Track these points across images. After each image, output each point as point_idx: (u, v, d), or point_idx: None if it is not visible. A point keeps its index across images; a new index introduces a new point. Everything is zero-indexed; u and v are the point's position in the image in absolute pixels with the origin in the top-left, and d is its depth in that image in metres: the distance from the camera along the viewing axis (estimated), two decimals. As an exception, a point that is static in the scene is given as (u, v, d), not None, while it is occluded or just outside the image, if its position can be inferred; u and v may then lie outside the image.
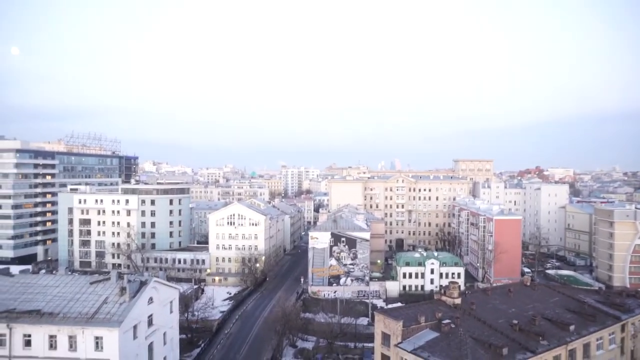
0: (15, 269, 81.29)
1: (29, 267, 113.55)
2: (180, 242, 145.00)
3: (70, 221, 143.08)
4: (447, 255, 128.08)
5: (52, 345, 55.02)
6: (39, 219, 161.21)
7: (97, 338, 54.53)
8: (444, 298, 62.90)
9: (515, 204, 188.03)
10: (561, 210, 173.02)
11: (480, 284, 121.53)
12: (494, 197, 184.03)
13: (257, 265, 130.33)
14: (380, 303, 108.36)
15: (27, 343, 55.34)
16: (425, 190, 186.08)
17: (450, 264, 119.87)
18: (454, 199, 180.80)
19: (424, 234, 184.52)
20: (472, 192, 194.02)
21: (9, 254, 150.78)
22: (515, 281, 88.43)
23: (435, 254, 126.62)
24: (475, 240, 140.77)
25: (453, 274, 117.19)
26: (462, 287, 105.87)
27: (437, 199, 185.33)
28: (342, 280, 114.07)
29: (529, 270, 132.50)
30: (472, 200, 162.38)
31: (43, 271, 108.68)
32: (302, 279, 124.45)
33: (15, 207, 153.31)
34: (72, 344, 54.77)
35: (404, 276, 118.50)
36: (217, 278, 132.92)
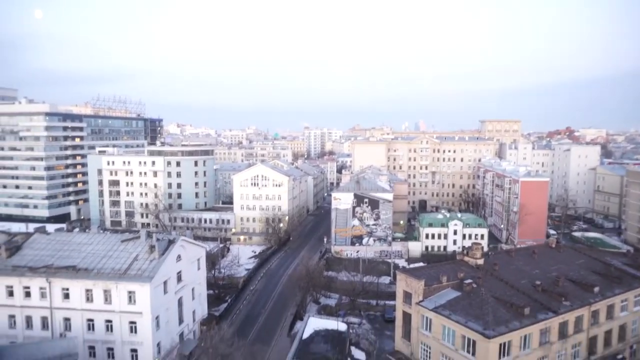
0: (50, 227, 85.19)
1: (64, 225, 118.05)
2: (205, 203, 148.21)
3: (100, 182, 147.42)
4: (471, 217, 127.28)
5: (89, 298, 58.19)
6: (70, 180, 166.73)
7: (129, 292, 57.28)
8: (466, 259, 62.99)
9: (542, 166, 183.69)
10: (591, 172, 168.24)
11: (504, 246, 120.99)
12: (521, 159, 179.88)
13: (281, 225, 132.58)
14: (402, 263, 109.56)
15: (66, 296, 58.63)
16: (449, 151, 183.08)
17: (473, 225, 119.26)
18: (479, 160, 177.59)
19: (448, 195, 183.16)
20: (498, 153, 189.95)
21: (44, 213, 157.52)
22: (540, 243, 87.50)
23: (459, 215, 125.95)
24: (499, 201, 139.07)
25: (476, 235, 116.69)
26: (485, 249, 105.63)
27: (461, 160, 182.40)
28: (364, 240, 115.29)
29: (554, 232, 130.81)
30: (497, 162, 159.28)
31: (77, 230, 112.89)
32: (325, 239, 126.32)
33: (47, 168, 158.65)
34: (107, 297, 57.77)
35: (427, 237, 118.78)
36: (242, 237, 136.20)
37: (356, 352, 59.23)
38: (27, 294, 59.26)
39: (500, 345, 46.42)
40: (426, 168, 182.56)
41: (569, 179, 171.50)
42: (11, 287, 59.37)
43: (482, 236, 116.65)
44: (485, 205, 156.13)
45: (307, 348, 54.64)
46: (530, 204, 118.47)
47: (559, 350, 52.46)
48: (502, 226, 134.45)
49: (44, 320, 59.15)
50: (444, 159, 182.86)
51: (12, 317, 59.83)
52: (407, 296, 56.71)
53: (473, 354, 47.39)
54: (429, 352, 53.57)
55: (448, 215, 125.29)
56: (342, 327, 60.84)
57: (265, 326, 78.80)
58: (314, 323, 61.43)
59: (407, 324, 57.25)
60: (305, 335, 57.64)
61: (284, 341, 71.77)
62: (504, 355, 46.84)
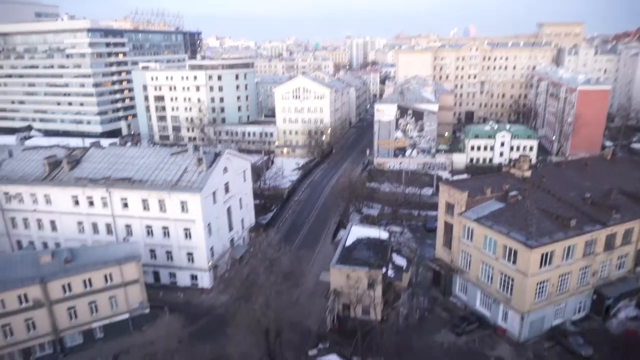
0: (104, 142, 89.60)
1: (116, 140, 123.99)
2: (248, 116, 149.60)
3: (146, 98, 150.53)
4: (520, 128, 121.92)
5: (145, 207, 62.38)
6: (118, 96, 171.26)
7: (182, 202, 60.79)
8: (512, 171, 61.62)
9: (605, 73, 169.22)
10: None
11: (554, 158, 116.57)
12: (581, 65, 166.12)
13: (323, 137, 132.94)
14: (445, 175, 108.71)
15: (125, 205, 63.07)
16: (501, 58, 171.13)
17: (522, 136, 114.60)
18: (534, 68, 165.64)
19: (497, 106, 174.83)
20: (555, 60, 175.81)
21: (98, 129, 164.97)
22: (594, 155, 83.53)
23: (507, 126, 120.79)
24: (553, 112, 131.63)
25: (525, 147, 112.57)
26: (534, 161, 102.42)
27: (514, 68, 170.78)
28: (407, 153, 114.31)
29: (610, 144, 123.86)
30: (554, 69, 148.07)
31: (129, 144, 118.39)
32: (367, 151, 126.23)
33: (95, 85, 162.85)
34: (162, 206, 61.67)
35: (472, 149, 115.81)
36: (285, 150, 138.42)
37: (397, 259, 61.39)
38: (91, 203, 64.22)
39: (543, 255, 46.68)
40: (475, 77, 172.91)
41: (633, 87, 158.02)
42: (76, 196, 64.37)
43: (531, 148, 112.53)
44: (537, 116, 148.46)
45: (350, 254, 57.05)
46: (587, 114, 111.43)
47: (603, 261, 52.31)
48: (553, 138, 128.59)
49: (108, 227, 64.57)
50: (494, 67, 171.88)
51: (80, 223, 65.63)
52: (450, 207, 57.02)
53: (514, 263, 48.13)
54: (469, 260, 54.91)
55: (496, 126, 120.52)
56: (384, 235, 62.58)
57: (309, 234, 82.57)
58: (357, 231, 63.43)
59: (448, 234, 58.29)
60: (349, 243, 59.90)
61: (327, 248, 75.39)
62: (545, 264, 47.28)
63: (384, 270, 54.33)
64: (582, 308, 53.65)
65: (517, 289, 48.40)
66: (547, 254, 46.95)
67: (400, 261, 61.47)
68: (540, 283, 48.11)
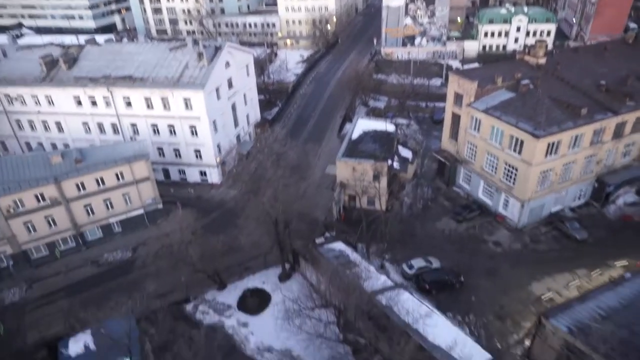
0: (99, 38, 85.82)
1: (112, 36, 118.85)
2: (248, 6, 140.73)
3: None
4: (539, 11, 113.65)
5: (149, 106, 61.82)
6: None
7: (185, 99, 59.99)
8: (527, 58, 58.98)
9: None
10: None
11: (572, 43, 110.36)
12: None
13: (328, 27, 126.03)
14: (456, 64, 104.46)
15: (128, 104, 62.45)
16: None
17: (540, 20, 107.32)
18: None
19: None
20: None
21: (91, 24, 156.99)
22: (615, 39, 78.61)
23: (525, 9, 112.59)
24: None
25: (542, 31, 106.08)
26: (550, 47, 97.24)
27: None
28: (417, 41, 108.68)
29: (634, 26, 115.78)
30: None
31: (125, 39, 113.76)
32: (374, 40, 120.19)
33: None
34: (165, 104, 61.04)
35: (485, 35, 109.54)
36: (288, 41, 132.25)
37: (403, 151, 61.76)
38: (94, 103, 63.57)
39: (549, 144, 46.44)
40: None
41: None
42: (78, 97, 63.53)
43: (549, 33, 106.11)
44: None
45: (356, 147, 57.26)
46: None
47: (609, 149, 52.14)
48: (574, 20, 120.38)
49: (114, 126, 64.69)
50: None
51: (85, 124, 65.71)
52: (458, 98, 55.68)
53: (519, 153, 48.17)
54: (475, 151, 55.08)
55: (512, 9, 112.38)
56: (391, 128, 62.15)
57: (315, 128, 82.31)
58: (363, 124, 62.88)
59: (455, 125, 57.72)
60: (355, 136, 59.77)
61: (334, 141, 75.63)
62: (551, 154, 47.27)
63: (389, 162, 54.93)
64: (582, 195, 54.82)
65: (520, 178, 49.09)
66: (553, 144, 46.69)
67: (406, 153, 61.92)
68: (544, 172, 48.58)
